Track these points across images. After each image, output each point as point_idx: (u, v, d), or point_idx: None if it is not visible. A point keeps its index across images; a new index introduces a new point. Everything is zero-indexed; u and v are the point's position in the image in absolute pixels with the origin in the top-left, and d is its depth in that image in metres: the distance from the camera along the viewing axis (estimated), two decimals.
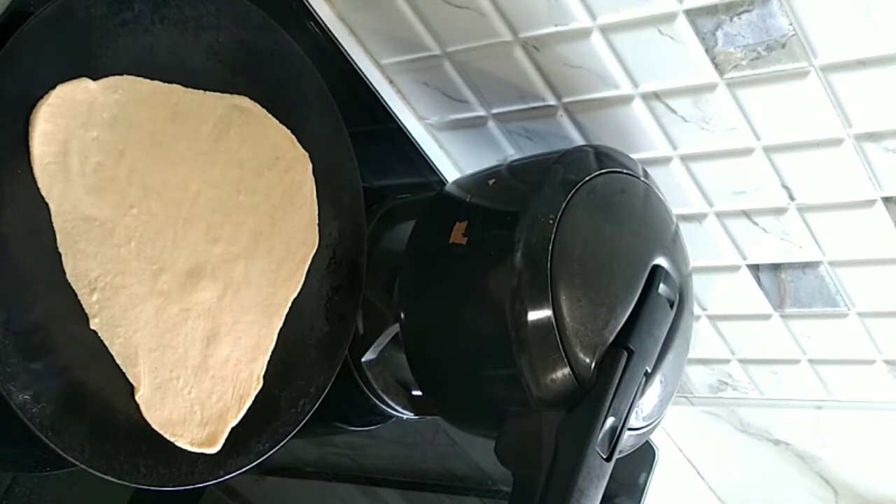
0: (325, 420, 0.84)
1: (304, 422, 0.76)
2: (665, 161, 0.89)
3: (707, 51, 0.79)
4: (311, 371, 0.77)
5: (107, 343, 0.66)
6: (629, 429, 0.74)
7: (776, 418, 1.11)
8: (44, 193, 0.64)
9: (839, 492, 1.16)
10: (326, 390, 0.77)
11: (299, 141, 0.77)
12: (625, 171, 0.80)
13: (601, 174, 0.78)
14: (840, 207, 0.86)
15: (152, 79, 0.70)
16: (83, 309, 0.65)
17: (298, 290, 0.77)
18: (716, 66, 0.80)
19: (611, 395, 0.72)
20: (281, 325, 0.76)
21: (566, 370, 0.73)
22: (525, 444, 0.73)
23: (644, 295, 0.76)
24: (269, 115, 0.76)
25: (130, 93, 0.68)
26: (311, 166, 0.78)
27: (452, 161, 0.99)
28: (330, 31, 0.87)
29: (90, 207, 0.66)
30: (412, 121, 0.96)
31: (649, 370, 0.75)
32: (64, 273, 0.65)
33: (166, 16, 0.71)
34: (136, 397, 0.67)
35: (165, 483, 0.69)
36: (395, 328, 0.81)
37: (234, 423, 0.72)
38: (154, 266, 0.69)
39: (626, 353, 0.73)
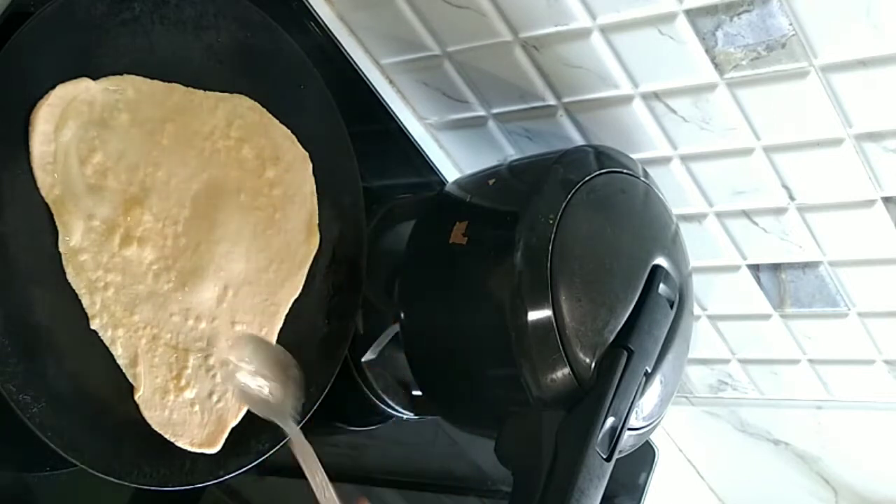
0: (325, 420, 0.83)
1: (304, 422, 0.76)
2: (665, 161, 0.89)
3: (707, 51, 0.79)
4: (311, 371, 0.77)
5: (107, 343, 0.66)
6: (629, 429, 0.74)
7: (776, 418, 1.11)
8: (43, 193, 0.64)
9: (839, 492, 1.16)
10: (326, 390, 0.77)
11: (299, 141, 0.77)
12: (625, 171, 0.80)
13: (601, 174, 0.78)
14: (840, 207, 0.86)
15: (152, 79, 0.70)
16: (83, 309, 0.65)
17: (299, 290, 0.77)
18: (716, 66, 0.80)
19: (611, 395, 0.72)
20: (281, 325, 0.76)
21: (566, 370, 0.73)
22: (525, 444, 0.73)
23: (644, 295, 0.76)
24: (270, 115, 0.76)
25: (130, 93, 0.68)
26: (311, 166, 0.78)
27: (452, 161, 0.99)
28: (330, 31, 0.87)
29: (90, 207, 0.66)
30: (412, 121, 0.96)
31: (649, 370, 0.75)
32: (64, 273, 0.65)
33: (166, 16, 0.71)
34: (136, 397, 0.67)
35: (165, 483, 0.69)
36: (395, 328, 0.81)
37: (234, 423, 0.72)
38: (155, 266, 0.69)
39: (626, 353, 0.73)
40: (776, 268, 0.94)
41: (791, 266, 0.93)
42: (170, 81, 0.71)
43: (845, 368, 1.00)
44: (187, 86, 0.72)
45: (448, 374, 0.79)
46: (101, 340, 0.66)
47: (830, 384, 1.02)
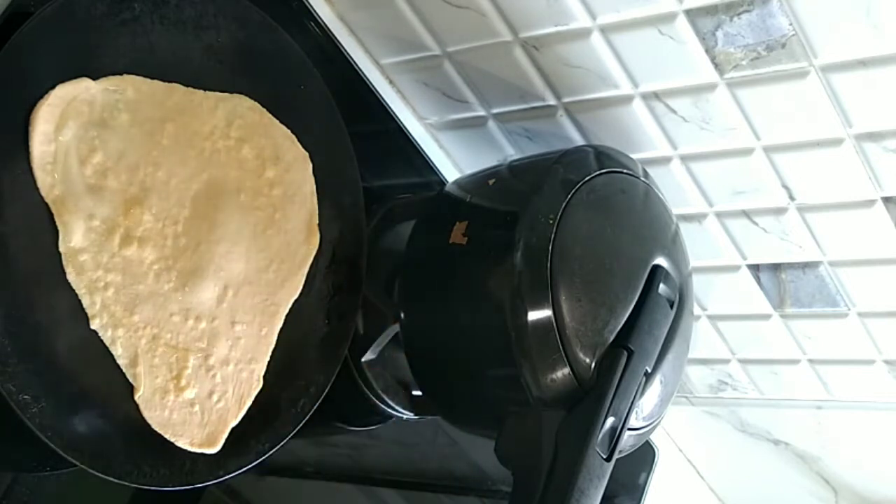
0: (325, 420, 0.84)
1: (304, 422, 0.76)
2: (665, 161, 0.89)
3: (707, 51, 0.79)
4: (311, 371, 0.77)
5: (107, 343, 0.66)
6: (629, 429, 0.74)
7: (776, 418, 1.11)
8: (43, 193, 0.64)
9: (839, 492, 1.16)
10: (326, 390, 0.77)
11: (299, 141, 0.77)
12: (625, 171, 0.80)
13: (601, 174, 0.78)
14: (840, 207, 0.86)
15: (152, 79, 0.70)
16: (83, 309, 0.65)
17: (299, 290, 0.77)
18: (716, 66, 0.80)
19: (611, 395, 0.72)
20: (281, 325, 0.76)
21: (566, 370, 0.73)
22: (525, 444, 0.73)
23: (644, 295, 0.76)
24: (270, 115, 0.76)
25: (130, 93, 0.68)
26: (311, 166, 0.78)
27: (452, 161, 0.99)
28: (330, 31, 0.87)
29: (90, 207, 0.66)
30: (412, 121, 0.96)
31: (649, 370, 0.75)
32: (64, 273, 0.65)
33: (166, 16, 0.71)
34: (136, 397, 0.67)
35: (165, 483, 0.69)
36: (395, 328, 0.81)
37: (234, 423, 0.72)
38: (155, 266, 0.69)
39: (626, 353, 0.73)
40: (776, 268, 0.94)
41: (791, 266, 0.93)
42: (170, 81, 0.71)
43: (845, 368, 1.00)
44: (187, 86, 0.72)
45: (448, 374, 0.79)
46: (101, 340, 0.66)
47: (830, 384, 1.02)
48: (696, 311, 1.00)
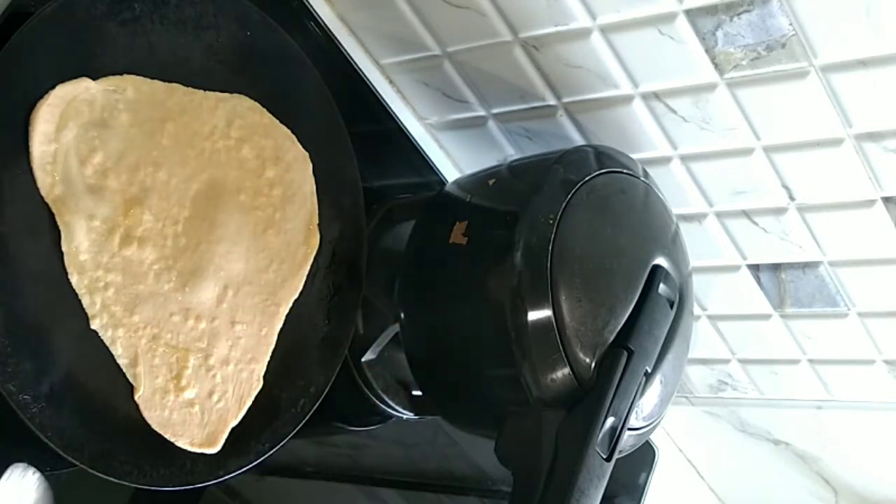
0: (325, 420, 0.84)
1: (304, 422, 0.76)
2: (665, 161, 0.89)
3: (707, 51, 0.79)
4: (311, 371, 0.77)
5: (107, 343, 0.66)
6: (629, 429, 0.74)
7: (776, 418, 1.11)
8: (43, 194, 0.64)
9: (839, 492, 1.16)
10: (326, 390, 0.77)
11: (299, 141, 0.77)
12: (625, 171, 0.80)
13: (601, 174, 0.78)
14: (840, 207, 0.86)
15: (152, 79, 0.70)
16: (83, 309, 0.65)
17: (299, 290, 0.77)
18: (716, 66, 0.80)
19: (611, 395, 0.72)
20: (281, 325, 0.76)
21: (566, 370, 0.73)
22: (525, 444, 0.73)
23: (644, 295, 0.76)
24: (270, 115, 0.76)
25: (130, 93, 0.68)
26: (311, 166, 0.78)
27: (452, 161, 0.99)
28: (330, 31, 0.87)
29: (90, 207, 0.66)
30: (412, 121, 0.96)
31: (649, 370, 0.75)
32: (64, 273, 0.65)
33: (166, 16, 0.71)
34: (136, 397, 0.67)
35: (166, 483, 0.69)
36: (395, 328, 0.81)
37: (234, 423, 0.72)
38: (155, 266, 0.69)
39: (626, 353, 0.73)
40: (776, 268, 0.94)
41: (791, 266, 0.93)
42: (170, 81, 0.71)
43: (845, 368, 1.00)
44: (187, 86, 0.72)
45: (448, 374, 0.79)
46: (102, 340, 0.66)
47: (830, 384, 1.02)
48: (696, 311, 1.00)
